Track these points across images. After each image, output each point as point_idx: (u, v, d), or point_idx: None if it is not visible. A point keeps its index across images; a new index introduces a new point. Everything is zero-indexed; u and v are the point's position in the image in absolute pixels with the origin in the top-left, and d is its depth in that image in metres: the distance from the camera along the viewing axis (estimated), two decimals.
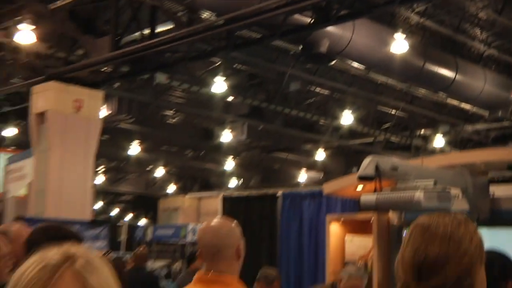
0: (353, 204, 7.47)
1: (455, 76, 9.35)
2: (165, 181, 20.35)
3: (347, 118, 12.89)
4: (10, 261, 2.74)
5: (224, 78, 11.08)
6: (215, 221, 2.56)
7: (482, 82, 9.82)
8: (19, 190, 8.80)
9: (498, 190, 4.57)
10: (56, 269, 0.86)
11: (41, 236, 2.51)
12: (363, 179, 3.82)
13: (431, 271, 1.19)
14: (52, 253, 0.89)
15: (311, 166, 16.89)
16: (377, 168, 3.64)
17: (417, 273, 1.18)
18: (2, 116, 12.70)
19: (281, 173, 17.73)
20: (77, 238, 2.43)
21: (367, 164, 3.71)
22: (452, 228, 1.21)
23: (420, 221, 1.27)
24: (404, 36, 8.73)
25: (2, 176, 9.68)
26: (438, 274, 1.18)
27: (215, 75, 11.17)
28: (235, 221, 2.53)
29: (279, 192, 9.66)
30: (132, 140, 15.00)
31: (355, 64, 9.54)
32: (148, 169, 18.88)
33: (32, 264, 0.88)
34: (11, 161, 9.28)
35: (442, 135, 13.48)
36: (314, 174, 16.16)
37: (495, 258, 2.07)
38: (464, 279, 1.19)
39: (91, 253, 0.94)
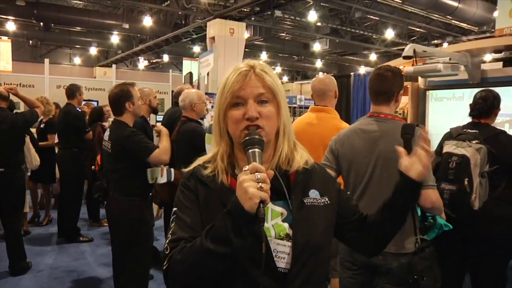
0: None
1: (457, 5, 10.71)
2: (280, 74, 22.63)
3: (389, 33, 13.94)
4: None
5: (315, 11, 12.00)
6: (321, 76, 3.14)
7: (474, 8, 11.10)
8: (206, 72, 9.01)
9: (485, 66, 5.02)
10: (246, 73, 1.10)
11: None
12: (406, 58, 4.19)
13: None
14: (241, 65, 1.12)
15: (367, 63, 17.90)
16: (414, 51, 4.02)
17: None
18: (192, 40, 14.11)
19: (349, 68, 18.13)
20: None
21: (408, 49, 4.07)
22: None
23: None
24: None
25: (198, 67, 9.83)
26: None
27: (309, 9, 12.19)
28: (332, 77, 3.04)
29: (352, 73, 11.04)
30: (261, 51, 16.52)
31: None
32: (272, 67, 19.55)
33: (232, 72, 1.12)
34: (201, 56, 9.49)
35: (447, 43, 13.71)
36: (368, 69, 14.86)
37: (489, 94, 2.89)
38: None
39: (263, 64, 1.12)
